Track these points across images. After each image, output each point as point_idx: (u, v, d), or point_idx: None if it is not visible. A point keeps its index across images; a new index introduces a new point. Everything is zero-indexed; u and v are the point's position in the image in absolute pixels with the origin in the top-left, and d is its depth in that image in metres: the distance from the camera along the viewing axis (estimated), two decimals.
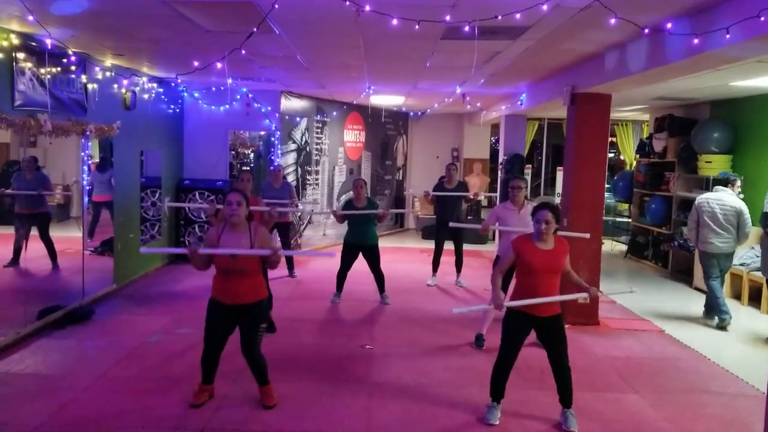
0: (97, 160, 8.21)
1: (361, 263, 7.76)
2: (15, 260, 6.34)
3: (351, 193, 7.82)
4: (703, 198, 7.42)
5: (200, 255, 4.40)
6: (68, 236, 7.38)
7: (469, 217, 12.99)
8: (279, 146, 10.35)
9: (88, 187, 7.34)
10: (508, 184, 6.50)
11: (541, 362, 5.15)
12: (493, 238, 12.02)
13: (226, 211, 4.43)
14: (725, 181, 7.50)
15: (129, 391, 4.81)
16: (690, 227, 7.50)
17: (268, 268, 4.63)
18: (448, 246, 8.89)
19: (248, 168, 11.13)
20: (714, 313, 7.24)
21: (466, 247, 9.19)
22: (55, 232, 7.16)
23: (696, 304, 7.97)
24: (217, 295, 4.51)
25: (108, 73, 7.38)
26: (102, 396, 4.72)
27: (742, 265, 8.16)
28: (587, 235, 6.10)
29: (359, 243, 7.65)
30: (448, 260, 9.20)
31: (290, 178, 10.45)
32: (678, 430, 4.46)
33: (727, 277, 8.36)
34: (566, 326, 4.71)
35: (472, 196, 8.79)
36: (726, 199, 7.24)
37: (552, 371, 4.44)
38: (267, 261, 4.48)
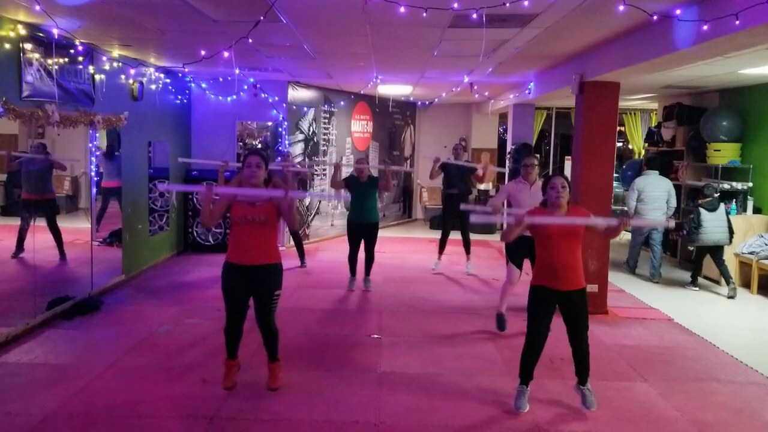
0: (105, 149, 8.23)
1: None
2: (19, 249, 6.36)
3: (353, 170, 7.89)
4: (643, 180, 8.74)
5: (215, 194, 4.44)
6: (77, 227, 7.41)
7: (477, 207, 12.93)
8: (287, 136, 10.35)
9: (96, 178, 7.36)
10: (521, 164, 6.43)
11: (551, 351, 5.14)
12: (501, 228, 11.98)
13: (246, 173, 4.48)
14: (660, 167, 9.07)
15: (138, 381, 4.84)
16: (630, 205, 8.74)
17: (287, 222, 4.64)
18: (454, 236, 8.89)
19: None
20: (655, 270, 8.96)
21: (473, 237, 9.16)
22: (64, 223, 7.20)
23: (705, 292, 7.92)
24: (232, 257, 4.54)
25: (115, 64, 7.38)
26: (111, 386, 4.75)
27: (751, 253, 8.12)
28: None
29: (361, 221, 7.71)
30: (455, 250, 9.20)
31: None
32: (687, 419, 4.46)
33: (737, 264, 8.43)
34: None
35: (480, 172, 8.65)
36: (661, 181, 8.73)
37: (571, 347, 4.47)
38: (282, 209, 4.47)
